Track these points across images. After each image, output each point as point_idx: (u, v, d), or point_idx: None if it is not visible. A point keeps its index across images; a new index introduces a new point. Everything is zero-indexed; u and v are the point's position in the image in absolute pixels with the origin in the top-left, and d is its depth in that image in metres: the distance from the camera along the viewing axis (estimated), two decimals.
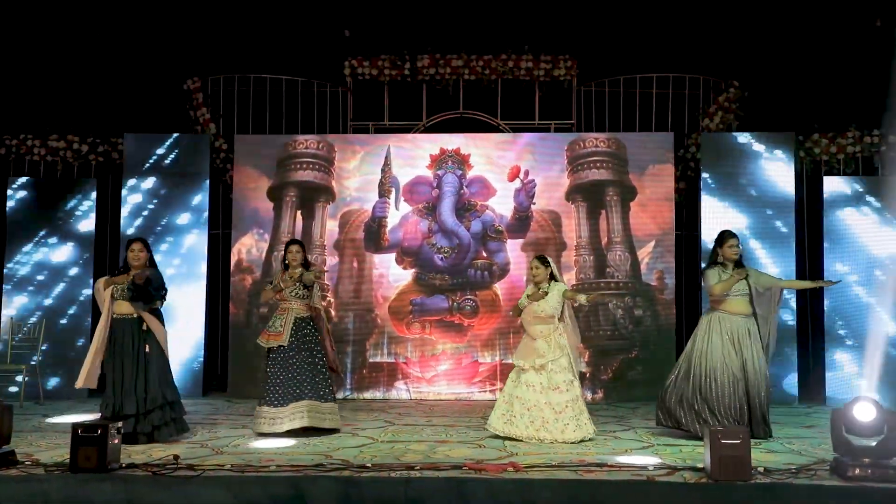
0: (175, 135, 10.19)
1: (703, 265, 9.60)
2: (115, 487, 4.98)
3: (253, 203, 10.16)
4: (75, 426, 5.19)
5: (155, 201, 10.00)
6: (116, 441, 5.29)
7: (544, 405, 6.59)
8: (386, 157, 10.14)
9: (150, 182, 10.03)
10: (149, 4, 10.40)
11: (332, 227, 10.11)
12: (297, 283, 7.05)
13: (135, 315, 6.64)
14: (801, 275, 9.72)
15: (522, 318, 6.95)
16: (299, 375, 6.94)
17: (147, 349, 6.60)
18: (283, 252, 7.46)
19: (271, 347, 7.02)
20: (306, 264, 7.26)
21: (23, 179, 10.01)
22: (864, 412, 5.17)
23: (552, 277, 6.86)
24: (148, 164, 10.05)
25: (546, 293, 6.76)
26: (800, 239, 9.84)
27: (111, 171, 10.47)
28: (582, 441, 6.50)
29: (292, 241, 7.41)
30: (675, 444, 6.45)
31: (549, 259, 7.00)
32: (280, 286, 7.11)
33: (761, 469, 5.19)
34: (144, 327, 6.62)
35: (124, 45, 10.60)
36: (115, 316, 6.63)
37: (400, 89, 10.67)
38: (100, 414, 6.58)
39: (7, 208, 9.93)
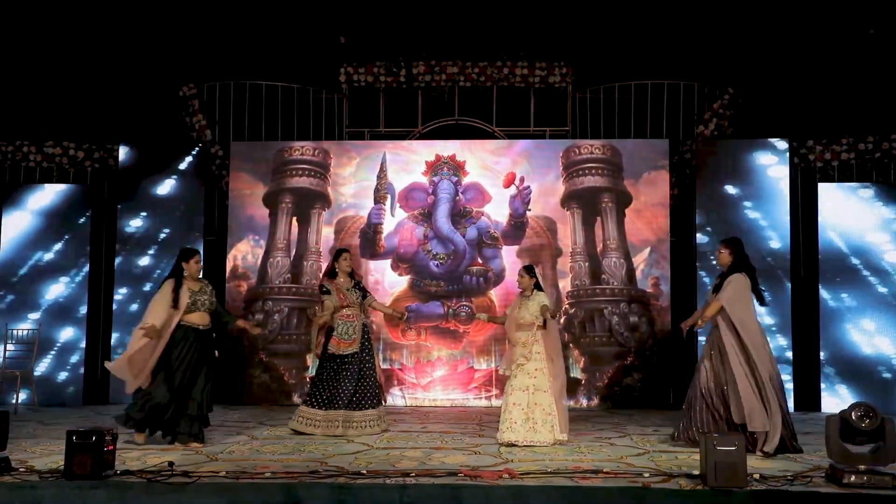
0: (171, 141, 10.20)
1: (700, 272, 9.69)
2: (109, 494, 4.96)
3: (249, 209, 10.16)
4: (70, 433, 5.17)
5: (150, 208, 10.00)
6: (111, 447, 5.27)
7: (513, 406, 6.73)
8: (381, 164, 10.15)
9: (145, 188, 10.03)
10: (145, 11, 10.40)
11: (327, 233, 10.11)
12: (356, 290, 7.29)
13: (207, 326, 6.76)
14: (796, 279, 9.75)
15: (507, 325, 7.10)
16: (347, 384, 7.17)
17: (217, 355, 6.89)
18: (332, 260, 7.57)
19: (328, 353, 7.22)
20: (352, 272, 7.48)
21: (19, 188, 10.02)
22: (863, 419, 5.16)
23: (536, 287, 6.99)
24: (143, 171, 10.05)
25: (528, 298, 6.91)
26: (794, 245, 9.86)
27: (107, 177, 10.47)
28: (553, 444, 6.60)
29: (345, 249, 7.58)
30: (670, 451, 6.44)
31: (535, 269, 7.17)
32: (338, 302, 7.25)
33: (757, 476, 5.18)
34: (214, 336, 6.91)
35: (120, 52, 10.60)
36: (183, 323, 6.64)
37: (395, 96, 10.69)
38: (132, 413, 6.57)
39: (3, 214, 9.91)
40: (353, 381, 7.26)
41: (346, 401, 7.21)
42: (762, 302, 6.66)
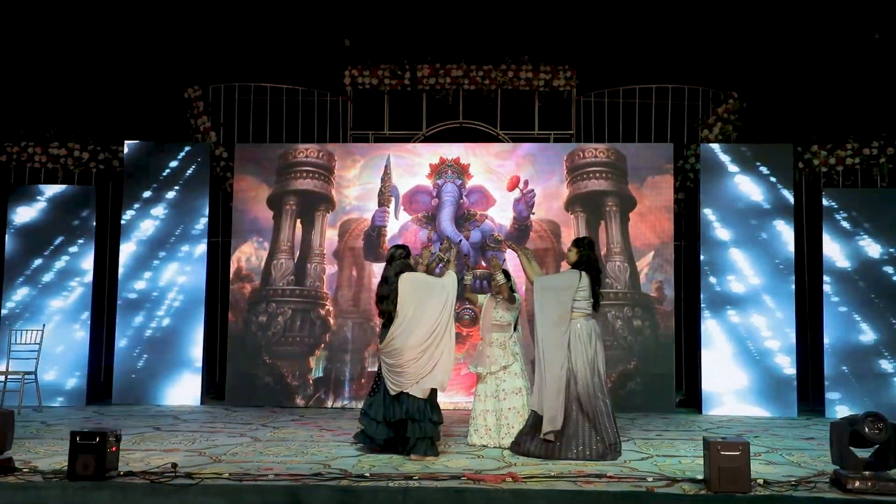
0: (175, 143, 10.22)
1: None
2: (112, 495, 4.97)
3: (253, 211, 10.17)
4: (74, 433, 5.18)
5: (154, 209, 10.02)
6: (115, 449, 5.27)
7: (493, 411, 6.86)
8: (385, 167, 10.15)
9: (149, 190, 10.04)
10: (150, 13, 10.42)
11: (331, 235, 10.11)
12: None
13: None
14: (799, 287, 9.74)
15: (481, 324, 7.17)
16: None
17: None
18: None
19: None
20: None
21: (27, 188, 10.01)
22: (875, 429, 5.14)
23: (511, 290, 7.07)
24: (148, 173, 10.07)
25: (510, 288, 6.98)
26: (799, 250, 9.84)
27: (112, 178, 10.49)
28: None
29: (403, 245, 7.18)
30: (674, 456, 6.44)
31: (510, 274, 7.25)
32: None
33: (760, 481, 5.17)
34: None
35: (126, 54, 10.64)
36: None
37: (400, 99, 10.70)
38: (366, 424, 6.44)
39: (7, 216, 9.92)
40: None
41: None
42: (596, 305, 6.55)
